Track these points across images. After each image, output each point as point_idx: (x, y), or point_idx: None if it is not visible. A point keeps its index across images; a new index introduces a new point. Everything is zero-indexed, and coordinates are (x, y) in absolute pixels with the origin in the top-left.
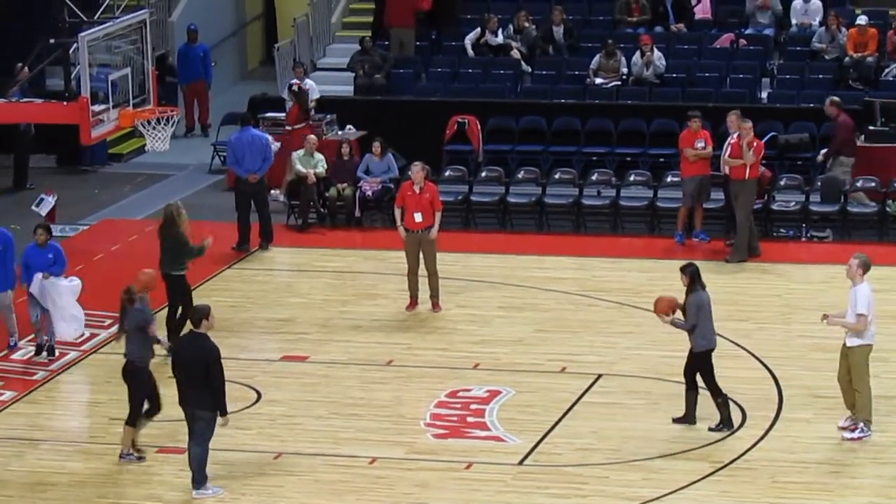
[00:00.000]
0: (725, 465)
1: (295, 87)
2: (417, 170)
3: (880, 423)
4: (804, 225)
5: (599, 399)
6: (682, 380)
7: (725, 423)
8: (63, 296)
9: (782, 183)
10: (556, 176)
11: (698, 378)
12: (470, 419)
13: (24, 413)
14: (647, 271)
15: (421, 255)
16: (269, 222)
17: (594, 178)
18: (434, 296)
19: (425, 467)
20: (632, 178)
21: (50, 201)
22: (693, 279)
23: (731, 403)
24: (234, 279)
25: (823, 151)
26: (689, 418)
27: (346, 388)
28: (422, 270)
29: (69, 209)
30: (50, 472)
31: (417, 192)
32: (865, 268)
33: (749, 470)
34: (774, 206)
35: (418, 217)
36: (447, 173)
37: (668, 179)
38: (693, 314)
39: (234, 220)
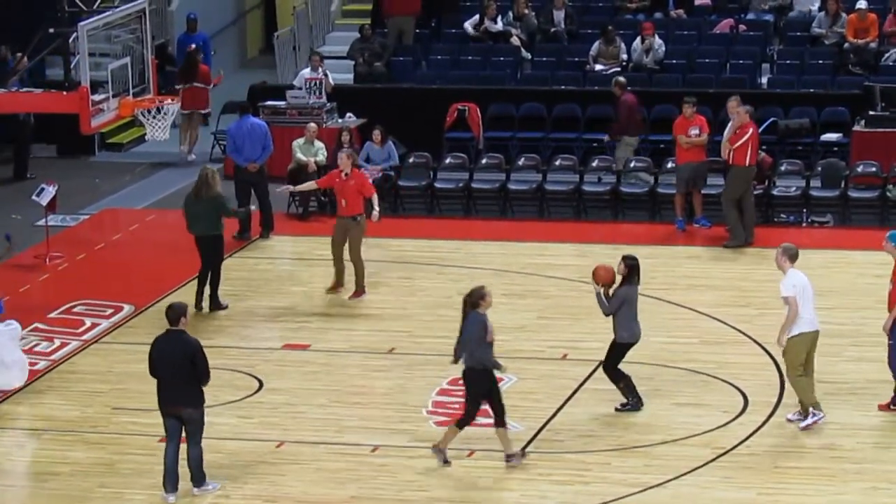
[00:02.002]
0: (727, 451)
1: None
2: (344, 157)
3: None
4: (805, 210)
5: (601, 385)
6: (676, 367)
7: (635, 404)
8: None
9: (783, 168)
10: (557, 163)
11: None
12: None
13: (25, 402)
14: (649, 258)
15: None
16: (270, 211)
17: (595, 164)
18: (358, 282)
19: (428, 455)
20: (632, 164)
21: (50, 191)
22: (631, 271)
23: (733, 389)
24: (235, 268)
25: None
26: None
27: (348, 376)
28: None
29: (70, 199)
30: (52, 462)
31: (344, 178)
32: (792, 257)
33: (751, 456)
34: (775, 192)
35: (344, 203)
36: (448, 161)
37: (669, 165)
38: (615, 305)
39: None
